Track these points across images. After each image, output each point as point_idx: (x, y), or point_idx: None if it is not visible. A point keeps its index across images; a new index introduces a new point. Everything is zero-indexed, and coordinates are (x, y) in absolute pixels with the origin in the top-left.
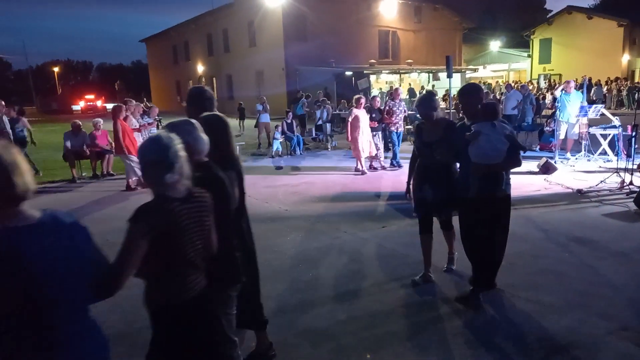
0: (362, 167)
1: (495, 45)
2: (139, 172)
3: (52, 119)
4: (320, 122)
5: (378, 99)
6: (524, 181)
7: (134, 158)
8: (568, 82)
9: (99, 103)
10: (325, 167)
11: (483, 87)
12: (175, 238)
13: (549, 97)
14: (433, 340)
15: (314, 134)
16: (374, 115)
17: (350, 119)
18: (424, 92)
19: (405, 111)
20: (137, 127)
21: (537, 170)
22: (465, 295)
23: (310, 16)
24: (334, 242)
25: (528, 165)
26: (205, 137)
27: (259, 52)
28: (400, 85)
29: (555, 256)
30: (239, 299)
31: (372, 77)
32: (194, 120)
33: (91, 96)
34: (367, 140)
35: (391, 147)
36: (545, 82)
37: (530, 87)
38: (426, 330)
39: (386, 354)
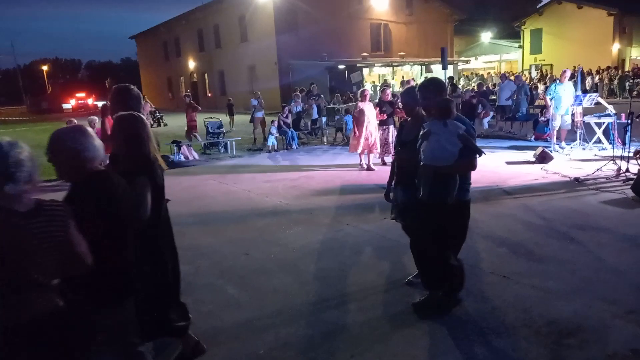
0: (367, 162)
1: (486, 36)
2: None
3: (43, 118)
4: (315, 117)
5: (389, 91)
6: (521, 170)
7: None
8: (564, 72)
9: (89, 101)
10: (323, 161)
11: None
12: (12, 256)
13: (541, 87)
14: (441, 328)
15: (309, 129)
16: (384, 108)
17: (354, 113)
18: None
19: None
20: None
21: (534, 159)
22: (424, 301)
23: (301, 10)
24: (336, 234)
25: (524, 154)
26: (97, 144)
27: (251, 47)
28: (393, 78)
29: (557, 243)
30: (149, 310)
31: (365, 71)
32: (84, 126)
33: (82, 94)
34: (374, 135)
35: None
36: (536, 73)
37: (524, 78)
38: (433, 318)
39: (395, 343)
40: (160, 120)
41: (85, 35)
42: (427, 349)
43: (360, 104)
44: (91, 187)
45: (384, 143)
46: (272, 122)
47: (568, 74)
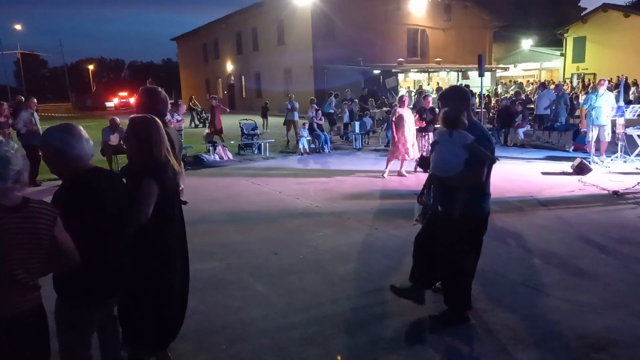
0: (400, 168)
1: (527, 43)
2: None
3: (87, 115)
4: (347, 121)
5: (431, 97)
6: (557, 181)
7: None
8: (600, 81)
9: (132, 100)
10: (355, 165)
11: (514, 86)
12: None
13: (582, 97)
14: (467, 336)
15: (342, 133)
16: (424, 115)
17: (393, 119)
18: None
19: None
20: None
21: (571, 170)
22: (407, 288)
23: (339, 15)
24: (366, 238)
25: (561, 165)
26: (83, 143)
27: (288, 51)
28: (428, 84)
29: (592, 257)
30: (145, 314)
31: (400, 76)
32: (74, 125)
33: (124, 93)
34: (412, 142)
35: None
36: (578, 82)
37: (565, 87)
38: (459, 325)
39: (418, 348)
40: (206, 121)
41: (129, 36)
42: (447, 356)
43: (399, 110)
44: (76, 184)
45: (423, 150)
46: (304, 124)
47: (605, 83)
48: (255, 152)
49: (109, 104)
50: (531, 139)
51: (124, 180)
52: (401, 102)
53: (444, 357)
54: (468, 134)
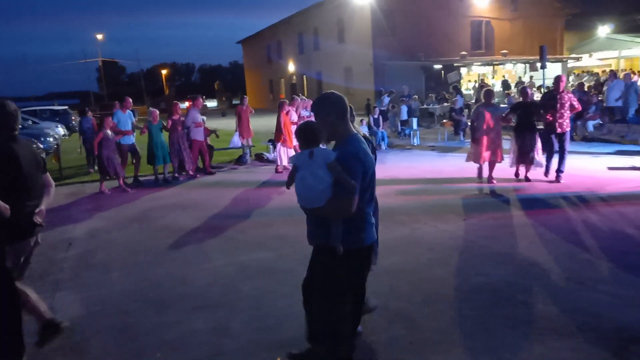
0: (488, 173)
1: (603, 30)
2: (286, 161)
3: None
4: (405, 118)
5: (530, 90)
6: (623, 177)
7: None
8: None
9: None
10: (410, 162)
11: (587, 76)
12: None
13: None
14: (505, 326)
15: (399, 129)
16: (532, 109)
17: (472, 117)
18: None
19: (574, 105)
20: (296, 120)
21: None
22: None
23: (398, 10)
24: (413, 232)
25: (631, 160)
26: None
27: (348, 49)
28: (493, 77)
29: None
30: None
31: (463, 70)
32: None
33: (195, 95)
34: (495, 144)
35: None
36: None
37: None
38: (498, 317)
39: (461, 336)
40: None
41: (198, 40)
42: (483, 343)
43: (481, 108)
44: None
45: (521, 151)
46: (362, 120)
47: None
48: None
49: (182, 106)
50: (602, 132)
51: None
52: (486, 97)
53: (476, 344)
54: (330, 150)
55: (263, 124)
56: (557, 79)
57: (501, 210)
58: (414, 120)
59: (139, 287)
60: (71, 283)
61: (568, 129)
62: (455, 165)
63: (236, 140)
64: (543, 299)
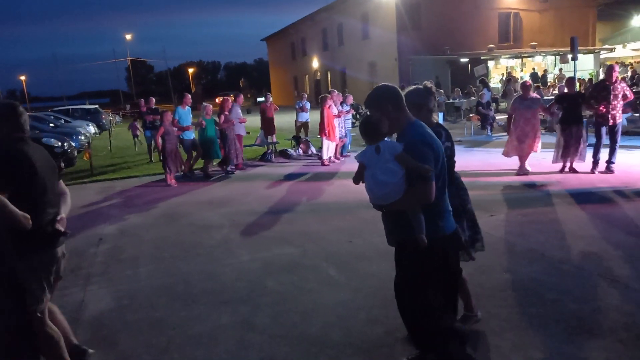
0: (521, 164)
1: (637, 20)
2: (332, 153)
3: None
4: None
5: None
6: None
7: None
8: None
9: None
10: None
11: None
12: None
13: None
14: (534, 325)
15: None
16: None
17: (509, 110)
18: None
19: (626, 95)
20: (337, 114)
21: None
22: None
23: (424, 4)
24: None
25: None
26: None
27: (372, 44)
28: (522, 70)
29: None
30: None
31: (490, 63)
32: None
33: (221, 92)
34: (532, 137)
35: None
36: None
37: None
38: (527, 315)
39: (489, 334)
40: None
41: (224, 38)
42: (512, 341)
43: (518, 100)
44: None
45: (567, 145)
46: None
47: None
48: None
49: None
50: (637, 125)
51: None
52: (524, 89)
53: (503, 342)
54: (395, 142)
55: (287, 120)
56: (610, 69)
57: (530, 205)
58: (440, 115)
59: (167, 282)
60: (101, 277)
61: (620, 120)
62: (482, 159)
63: (262, 137)
64: (574, 297)
